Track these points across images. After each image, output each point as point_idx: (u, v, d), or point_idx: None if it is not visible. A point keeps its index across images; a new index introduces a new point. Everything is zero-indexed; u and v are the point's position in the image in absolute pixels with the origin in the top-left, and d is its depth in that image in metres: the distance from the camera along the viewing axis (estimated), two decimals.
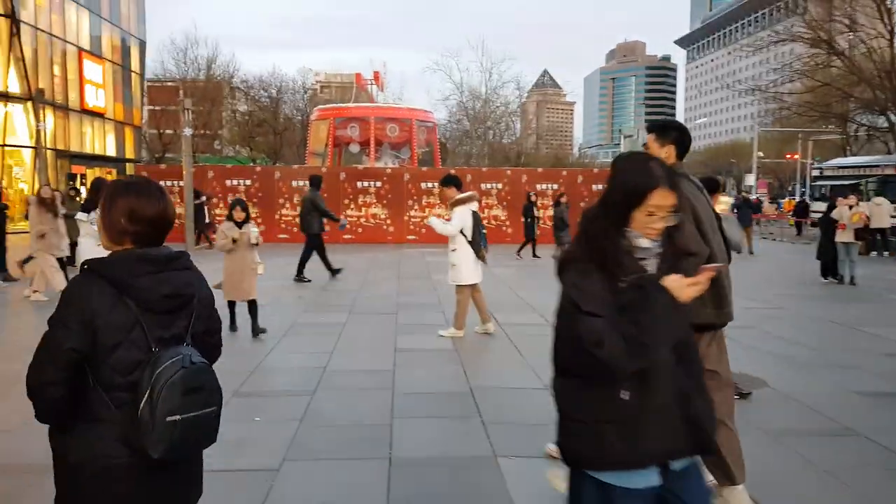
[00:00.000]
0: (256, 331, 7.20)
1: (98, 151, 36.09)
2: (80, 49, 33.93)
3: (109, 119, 37.48)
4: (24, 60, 27.79)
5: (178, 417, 1.76)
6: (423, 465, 3.93)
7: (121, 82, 39.19)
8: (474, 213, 7.18)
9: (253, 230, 7.06)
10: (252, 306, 7.22)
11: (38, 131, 19.18)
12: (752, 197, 31.79)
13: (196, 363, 1.83)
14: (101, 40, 36.77)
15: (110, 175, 32.93)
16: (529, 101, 61.73)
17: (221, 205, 19.48)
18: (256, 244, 7.06)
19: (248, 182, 19.74)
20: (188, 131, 17.98)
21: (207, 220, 17.78)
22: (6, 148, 27.96)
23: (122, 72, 39.32)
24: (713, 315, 3.04)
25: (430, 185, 19.95)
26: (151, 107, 45.98)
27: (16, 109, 28.26)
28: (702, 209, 3.00)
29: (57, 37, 31.70)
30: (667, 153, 3.08)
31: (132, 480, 1.81)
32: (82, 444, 1.80)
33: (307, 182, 19.77)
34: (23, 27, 28.12)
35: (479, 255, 7.15)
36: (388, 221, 19.89)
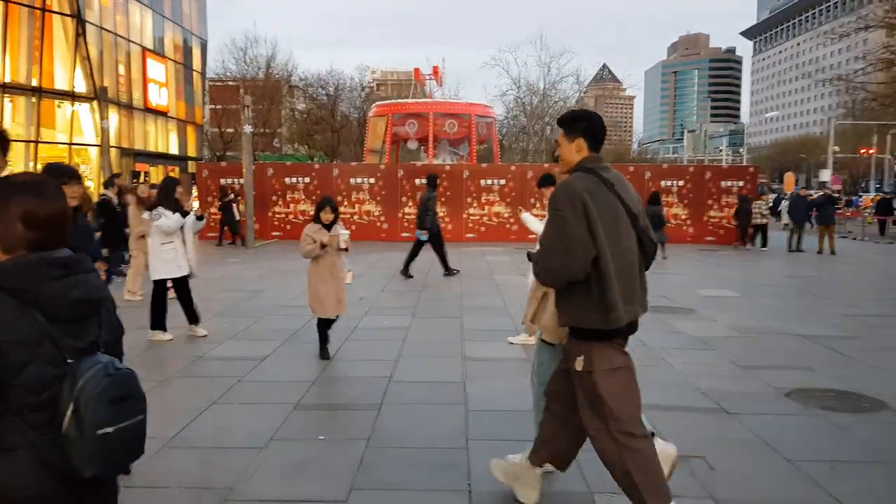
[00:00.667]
0: (326, 353, 6.27)
1: (161, 149, 36.80)
2: (144, 48, 34.61)
3: (172, 117, 38.19)
4: (89, 60, 28.43)
5: (110, 430, 1.64)
6: (507, 501, 3.43)
7: (183, 81, 39.90)
8: None
9: (343, 233, 6.21)
10: (330, 323, 6.33)
11: (102, 129, 19.43)
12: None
13: (120, 369, 1.71)
14: (164, 40, 37.47)
15: (173, 172, 33.50)
16: (588, 96, 60.45)
17: (279, 203, 19.41)
18: (346, 249, 6.21)
19: (307, 179, 19.58)
20: (248, 129, 17.91)
21: (237, 219, 17.70)
22: (73, 146, 28.68)
23: (184, 71, 40.01)
24: (598, 320, 2.76)
25: (489, 181, 19.43)
26: (213, 106, 46.80)
27: (82, 108, 28.94)
28: (600, 207, 2.75)
29: (121, 36, 32.38)
30: (577, 147, 2.93)
31: None
32: None
33: (365, 179, 19.74)
34: (88, 27, 28.75)
35: None
36: (447, 219, 19.43)
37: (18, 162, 26.35)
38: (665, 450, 3.22)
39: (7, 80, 25.35)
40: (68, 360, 1.66)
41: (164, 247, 6.94)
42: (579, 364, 2.81)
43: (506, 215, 19.39)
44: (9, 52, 25.38)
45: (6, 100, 25.50)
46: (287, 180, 19.63)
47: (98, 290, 1.78)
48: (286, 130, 50.06)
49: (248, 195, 17.30)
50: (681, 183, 19.26)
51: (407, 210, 19.42)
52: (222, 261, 14.20)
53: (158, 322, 6.92)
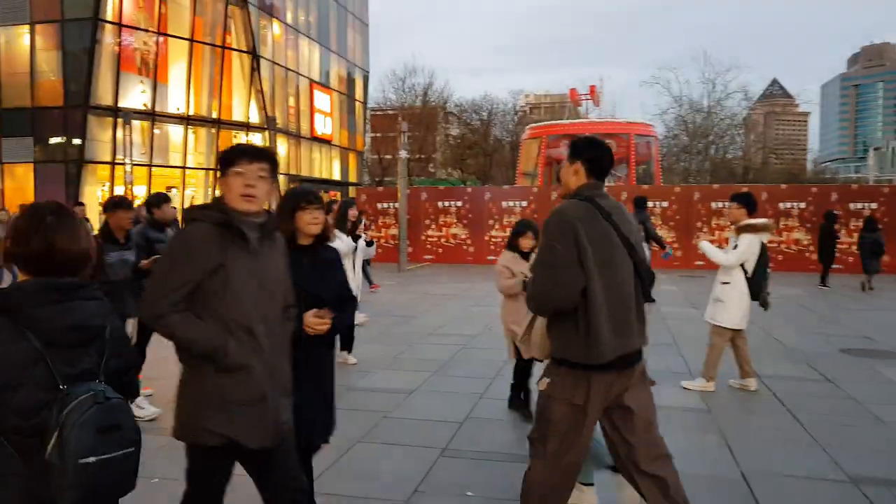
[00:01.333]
0: (522, 405, 5.26)
1: (325, 175, 38.70)
2: (311, 81, 36.67)
3: (335, 145, 40.10)
4: (262, 93, 30.47)
5: (92, 459, 1.61)
6: None
7: (346, 111, 41.86)
8: (763, 244, 5.72)
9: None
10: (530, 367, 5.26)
11: None
12: None
13: (112, 399, 1.69)
14: (330, 72, 39.54)
15: (335, 197, 35.04)
16: (756, 113, 56.44)
17: (432, 226, 19.43)
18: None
19: (459, 203, 19.47)
20: (404, 154, 18.11)
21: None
22: None
23: (347, 101, 41.98)
24: (582, 354, 2.62)
25: (651, 204, 18.28)
26: (373, 133, 48.77)
27: (255, 138, 31.04)
28: (593, 236, 2.62)
29: (291, 70, 34.51)
30: (576, 170, 2.83)
31: None
32: None
33: (517, 202, 19.31)
34: (262, 62, 30.88)
35: (758, 297, 5.68)
36: None
37: (199, 187, 28.64)
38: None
39: (191, 112, 27.71)
40: (61, 386, 1.64)
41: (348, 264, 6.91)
42: (542, 384, 2.75)
43: (669, 241, 18.12)
44: (193, 88, 27.76)
45: (190, 131, 27.85)
46: (440, 204, 19.63)
47: (96, 318, 1.76)
48: (440, 155, 51.10)
49: (402, 219, 17.43)
50: (873, 206, 17.02)
51: None
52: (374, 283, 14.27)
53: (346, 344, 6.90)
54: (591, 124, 26.22)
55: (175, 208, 5.37)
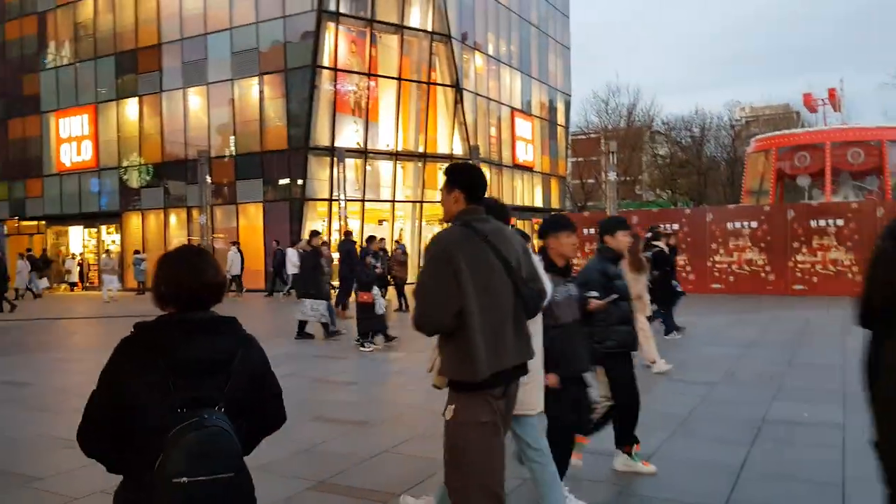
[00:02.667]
0: None
1: (527, 203, 38.26)
2: (513, 109, 36.59)
3: (537, 172, 39.58)
4: (465, 124, 30.81)
5: (184, 480, 1.73)
6: None
7: (548, 136, 41.26)
8: None
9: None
10: None
11: None
12: None
13: (211, 426, 1.79)
14: (532, 99, 39.25)
15: (535, 224, 34.39)
16: None
17: None
18: None
19: (676, 226, 17.74)
20: (612, 175, 16.93)
21: None
22: None
23: (548, 126, 41.39)
24: (462, 372, 2.73)
25: (823, 223, 15.43)
26: (574, 158, 47.66)
27: None
28: (469, 259, 2.76)
29: (493, 100, 34.65)
30: (455, 198, 2.95)
31: None
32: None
33: (746, 223, 17.17)
34: (465, 95, 31.29)
35: None
36: (854, 269, 15.76)
37: (406, 219, 29.46)
38: None
39: (400, 148, 28.69)
40: (179, 410, 1.80)
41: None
42: (448, 413, 2.77)
43: (846, 262, 15.14)
44: (401, 124, 28.76)
45: (399, 165, 28.83)
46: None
47: (223, 353, 1.93)
48: (647, 176, 48.59)
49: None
50: None
51: (799, 258, 16.28)
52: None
53: None
54: (832, 132, 22.95)
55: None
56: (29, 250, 27.22)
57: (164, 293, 1.98)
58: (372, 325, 10.41)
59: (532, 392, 3.35)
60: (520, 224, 36.10)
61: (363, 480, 4.51)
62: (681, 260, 17.03)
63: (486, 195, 3.04)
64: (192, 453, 1.73)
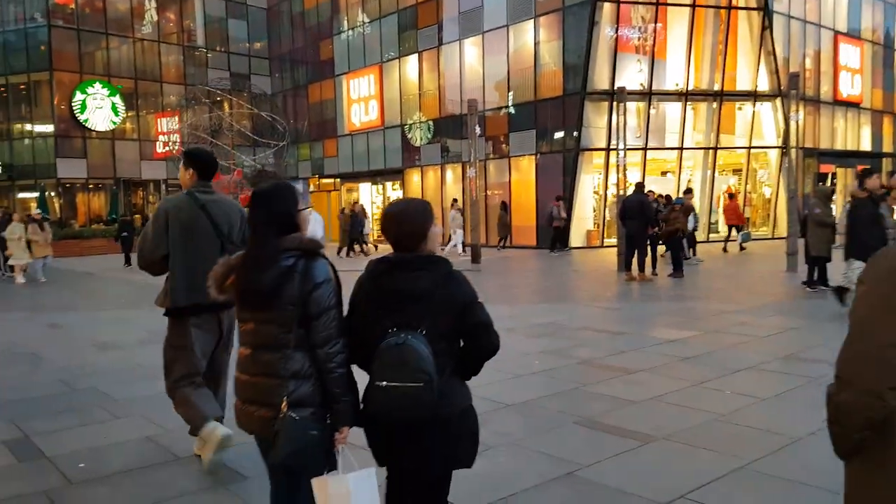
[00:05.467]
0: None
1: (850, 146, 31.62)
2: (836, 32, 30.15)
3: (865, 108, 32.47)
4: (774, 55, 25.86)
5: (384, 384, 2.28)
6: None
7: (881, 65, 33.58)
8: None
9: None
10: None
11: (786, 129, 16.63)
12: None
13: (404, 342, 2.26)
14: (861, 19, 32.06)
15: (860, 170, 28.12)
16: None
17: None
18: None
19: None
20: None
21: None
22: (752, 150, 26.67)
23: (882, 52, 33.63)
24: (165, 302, 4.04)
25: None
26: None
27: (764, 109, 26.68)
28: (181, 219, 3.94)
29: (811, 22, 28.79)
30: (190, 175, 4.08)
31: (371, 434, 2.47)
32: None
33: None
34: (775, 18, 26.24)
35: None
36: None
37: (696, 169, 25.84)
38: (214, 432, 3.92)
39: (691, 87, 25.02)
40: (391, 330, 2.33)
41: None
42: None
43: None
44: (693, 59, 25.01)
45: (689, 107, 25.22)
46: None
47: (423, 286, 2.35)
48: None
49: None
50: None
51: None
52: None
53: None
54: None
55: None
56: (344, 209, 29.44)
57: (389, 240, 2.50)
58: None
59: None
60: (840, 173, 30.08)
61: None
62: None
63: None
64: (388, 364, 2.27)
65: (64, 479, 4.07)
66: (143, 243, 3.99)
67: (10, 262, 17.50)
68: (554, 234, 21.70)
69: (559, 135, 24.43)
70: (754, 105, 26.23)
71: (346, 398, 2.43)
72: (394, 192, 31.84)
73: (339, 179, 33.98)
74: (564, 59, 24.26)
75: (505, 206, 24.39)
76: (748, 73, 26.09)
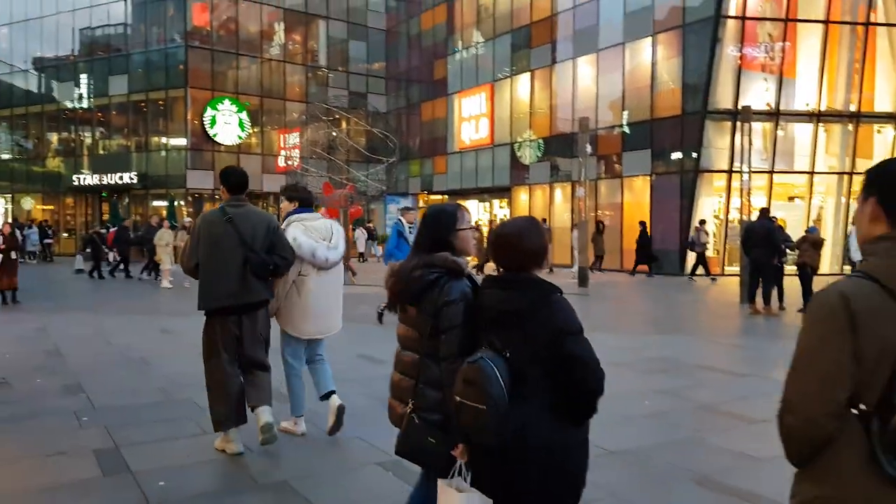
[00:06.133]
0: None
1: None
2: None
3: None
4: None
5: (458, 399, 2.25)
6: None
7: None
8: None
9: None
10: None
11: None
12: None
13: (476, 361, 2.23)
14: None
15: None
16: None
17: None
18: None
19: None
20: None
21: None
22: None
23: None
24: (200, 305, 4.73)
25: None
26: None
27: None
28: (211, 232, 4.62)
29: None
30: (223, 192, 4.79)
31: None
32: None
33: None
34: None
35: None
36: None
37: (829, 195, 23.95)
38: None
39: (823, 107, 23.25)
40: (484, 346, 2.33)
41: None
42: None
43: None
44: (826, 78, 23.25)
45: (821, 129, 23.43)
46: None
47: (515, 307, 2.30)
48: None
49: None
50: None
51: None
52: None
53: None
54: None
55: None
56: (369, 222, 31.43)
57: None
58: None
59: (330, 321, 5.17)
60: None
61: None
62: None
63: None
64: (462, 379, 2.25)
65: (142, 497, 3.99)
66: (182, 254, 4.98)
67: (161, 267, 18.47)
68: (697, 260, 20.43)
69: (677, 155, 23.35)
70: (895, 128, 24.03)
71: None
72: (501, 209, 31.57)
73: (447, 196, 34.13)
74: (684, 77, 23.21)
75: (599, 227, 23.40)
76: (888, 93, 23.97)
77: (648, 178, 24.10)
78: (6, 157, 40.10)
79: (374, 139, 33.61)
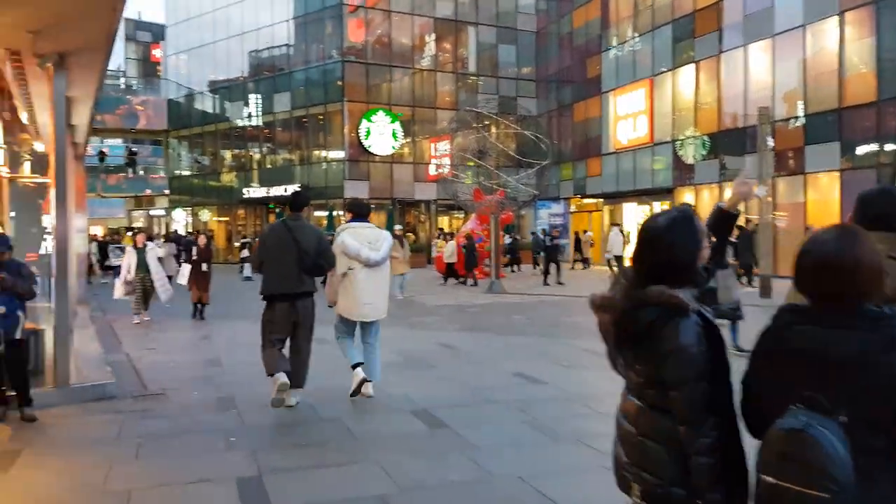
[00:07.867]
0: None
1: None
2: None
3: None
4: None
5: (769, 479, 1.66)
6: None
7: None
8: None
9: None
10: None
11: None
12: None
13: (803, 429, 1.62)
14: None
15: None
16: None
17: None
18: None
19: None
20: None
21: None
22: None
23: None
24: (262, 290, 6.29)
25: None
26: None
27: None
28: (274, 238, 6.20)
29: None
30: (286, 209, 6.50)
31: None
32: None
33: None
34: None
35: None
36: None
37: None
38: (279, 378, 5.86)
39: None
40: (794, 406, 1.70)
41: None
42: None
43: None
44: None
45: None
46: None
47: (840, 351, 1.69)
48: None
49: None
50: None
51: None
52: None
53: None
54: None
55: None
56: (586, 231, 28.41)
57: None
58: None
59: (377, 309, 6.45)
60: None
61: None
62: None
63: None
64: (776, 453, 1.66)
65: None
66: (252, 255, 7.18)
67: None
68: None
69: (871, 147, 20.55)
70: None
71: (711, 495, 1.87)
72: None
73: (601, 200, 32.66)
74: (879, 57, 20.38)
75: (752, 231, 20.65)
76: None
77: (837, 173, 21.42)
78: (186, 173, 43.69)
79: (524, 143, 32.95)
